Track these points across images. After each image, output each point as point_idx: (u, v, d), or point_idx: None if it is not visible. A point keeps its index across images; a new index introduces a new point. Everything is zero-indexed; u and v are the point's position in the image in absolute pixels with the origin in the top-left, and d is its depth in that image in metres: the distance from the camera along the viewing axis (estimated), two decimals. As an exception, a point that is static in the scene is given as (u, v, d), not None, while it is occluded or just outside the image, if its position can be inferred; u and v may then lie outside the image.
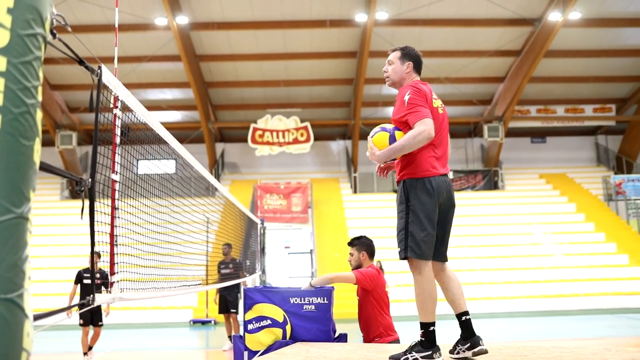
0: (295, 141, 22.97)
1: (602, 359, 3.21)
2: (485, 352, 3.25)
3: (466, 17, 19.64)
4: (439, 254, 3.49)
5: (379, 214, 21.26)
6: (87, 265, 9.11)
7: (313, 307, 4.24)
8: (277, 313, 4.22)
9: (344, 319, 11.28)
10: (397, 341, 4.50)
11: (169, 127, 5.13)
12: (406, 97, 3.42)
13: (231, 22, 19.69)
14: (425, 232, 3.33)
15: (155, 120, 4.17)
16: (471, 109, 24.26)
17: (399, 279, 16.36)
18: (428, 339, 3.27)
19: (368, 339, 4.52)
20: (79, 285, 9.25)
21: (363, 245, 4.72)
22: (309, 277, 18.03)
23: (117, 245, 3.45)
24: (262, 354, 4.07)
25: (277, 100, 23.84)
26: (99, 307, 9.40)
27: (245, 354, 4.17)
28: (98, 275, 8.44)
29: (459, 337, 3.40)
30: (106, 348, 11.32)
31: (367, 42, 19.41)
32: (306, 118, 23.47)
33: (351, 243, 4.79)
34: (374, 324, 4.47)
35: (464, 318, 3.38)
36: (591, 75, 22.69)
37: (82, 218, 2.89)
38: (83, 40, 17.70)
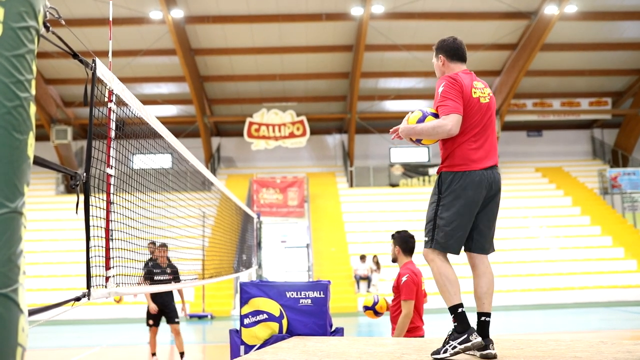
0: (291, 135, 22.95)
1: (597, 352, 3.21)
2: (494, 357, 3.17)
3: (462, 10, 19.63)
4: (479, 247, 3.42)
5: (375, 208, 21.29)
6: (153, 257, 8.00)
7: (309, 301, 4.24)
8: (274, 307, 4.22)
9: (341, 313, 11.32)
10: (421, 337, 4.57)
11: (165, 121, 5.11)
12: (440, 89, 3.38)
13: (226, 15, 19.62)
14: (453, 226, 3.27)
15: (151, 115, 4.15)
16: (467, 103, 24.28)
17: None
18: (460, 322, 3.19)
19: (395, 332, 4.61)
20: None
21: (398, 239, 4.78)
22: (305, 271, 18.07)
23: (112, 240, 3.44)
24: (259, 348, 4.07)
25: (273, 94, 23.80)
26: (171, 303, 8.40)
27: (242, 348, 4.17)
28: (169, 270, 7.86)
29: None
30: (102, 343, 11.33)
31: (363, 36, 19.38)
32: (302, 112, 23.45)
33: (392, 236, 4.87)
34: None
35: (483, 318, 3.32)
36: (587, 68, 22.71)
37: (77, 213, 2.88)
38: (77, 33, 17.62)
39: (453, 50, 3.57)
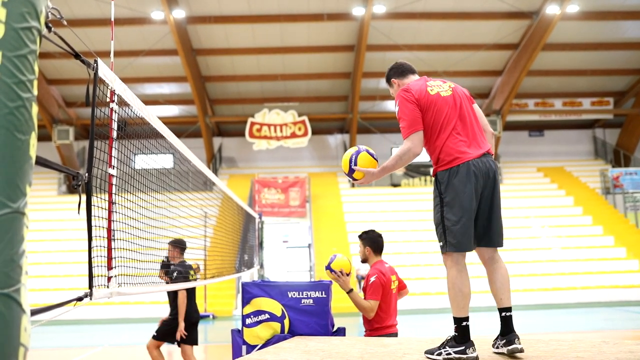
0: (293, 135, 22.96)
1: (599, 352, 3.21)
2: (520, 350, 3.14)
3: (464, 10, 19.61)
4: (488, 240, 3.36)
5: (376, 208, 21.28)
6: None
7: (311, 301, 4.24)
8: (275, 307, 4.22)
9: (342, 313, 11.32)
10: (395, 334, 4.57)
11: (166, 121, 5.12)
12: (396, 109, 3.45)
13: (228, 15, 19.63)
14: (461, 223, 3.23)
15: (153, 115, 4.15)
16: (469, 103, 24.30)
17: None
18: (461, 334, 3.18)
19: (369, 330, 4.62)
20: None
21: (367, 240, 4.77)
22: (307, 271, 18.07)
23: (114, 240, 3.44)
24: (261, 348, 4.07)
25: (275, 94, 23.81)
26: None
27: (244, 348, 4.17)
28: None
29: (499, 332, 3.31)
30: (104, 343, 11.34)
31: (365, 36, 19.38)
32: (304, 112, 23.45)
33: (360, 236, 4.84)
34: (375, 318, 4.56)
35: (503, 314, 3.29)
36: (589, 68, 22.69)
37: (79, 213, 2.88)
38: (79, 34, 17.63)
39: (400, 68, 3.68)
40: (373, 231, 4.80)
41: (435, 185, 3.39)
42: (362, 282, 4.75)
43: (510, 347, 3.17)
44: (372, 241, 4.74)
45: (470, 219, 3.27)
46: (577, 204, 21.54)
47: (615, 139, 25.71)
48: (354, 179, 3.61)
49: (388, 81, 3.72)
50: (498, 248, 3.44)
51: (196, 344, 6.75)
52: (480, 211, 3.34)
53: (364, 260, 4.83)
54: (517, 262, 17.85)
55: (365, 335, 4.65)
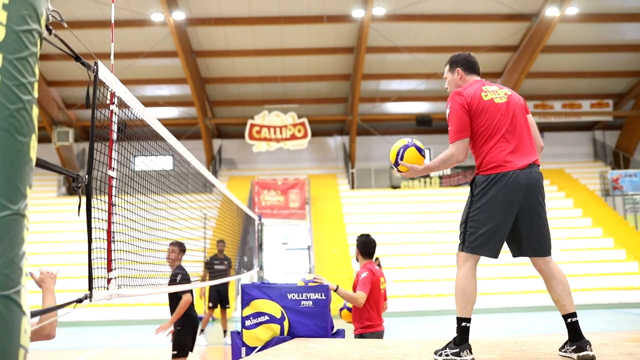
0: (293, 137, 22.96)
1: (599, 354, 3.21)
2: (592, 358, 3.12)
3: (463, 12, 19.64)
4: (531, 250, 3.35)
5: (376, 210, 21.28)
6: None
7: (311, 302, 4.25)
8: (275, 309, 4.22)
9: (342, 315, 11.34)
10: (382, 332, 4.83)
11: (166, 123, 5.12)
12: (447, 111, 3.47)
13: (228, 17, 19.65)
14: (485, 228, 3.26)
15: (152, 117, 4.15)
16: (468, 105, 24.30)
17: (397, 275, 16.40)
18: (459, 335, 3.22)
19: (360, 328, 4.84)
20: None
21: (357, 242, 5.08)
22: (306, 273, 18.06)
23: (114, 241, 3.44)
24: (260, 349, 4.07)
25: (275, 96, 23.82)
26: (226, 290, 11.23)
27: (243, 350, 4.18)
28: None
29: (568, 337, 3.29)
30: (104, 344, 11.34)
31: (364, 38, 19.40)
32: (303, 114, 23.46)
33: (356, 239, 5.18)
34: (366, 315, 4.78)
35: (569, 320, 3.27)
36: (588, 70, 22.71)
37: (79, 215, 2.88)
38: (79, 36, 17.64)
39: (470, 64, 3.63)
40: (367, 236, 5.07)
41: (471, 187, 3.42)
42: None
43: (581, 354, 3.13)
44: (361, 244, 5.04)
45: (498, 227, 3.27)
46: (577, 206, 21.54)
47: (615, 140, 25.71)
48: (399, 171, 3.62)
49: (452, 66, 3.64)
50: (546, 256, 3.40)
51: (191, 350, 6.47)
52: (519, 222, 3.32)
53: (357, 259, 5.14)
54: (516, 263, 17.80)
55: (354, 333, 4.86)
